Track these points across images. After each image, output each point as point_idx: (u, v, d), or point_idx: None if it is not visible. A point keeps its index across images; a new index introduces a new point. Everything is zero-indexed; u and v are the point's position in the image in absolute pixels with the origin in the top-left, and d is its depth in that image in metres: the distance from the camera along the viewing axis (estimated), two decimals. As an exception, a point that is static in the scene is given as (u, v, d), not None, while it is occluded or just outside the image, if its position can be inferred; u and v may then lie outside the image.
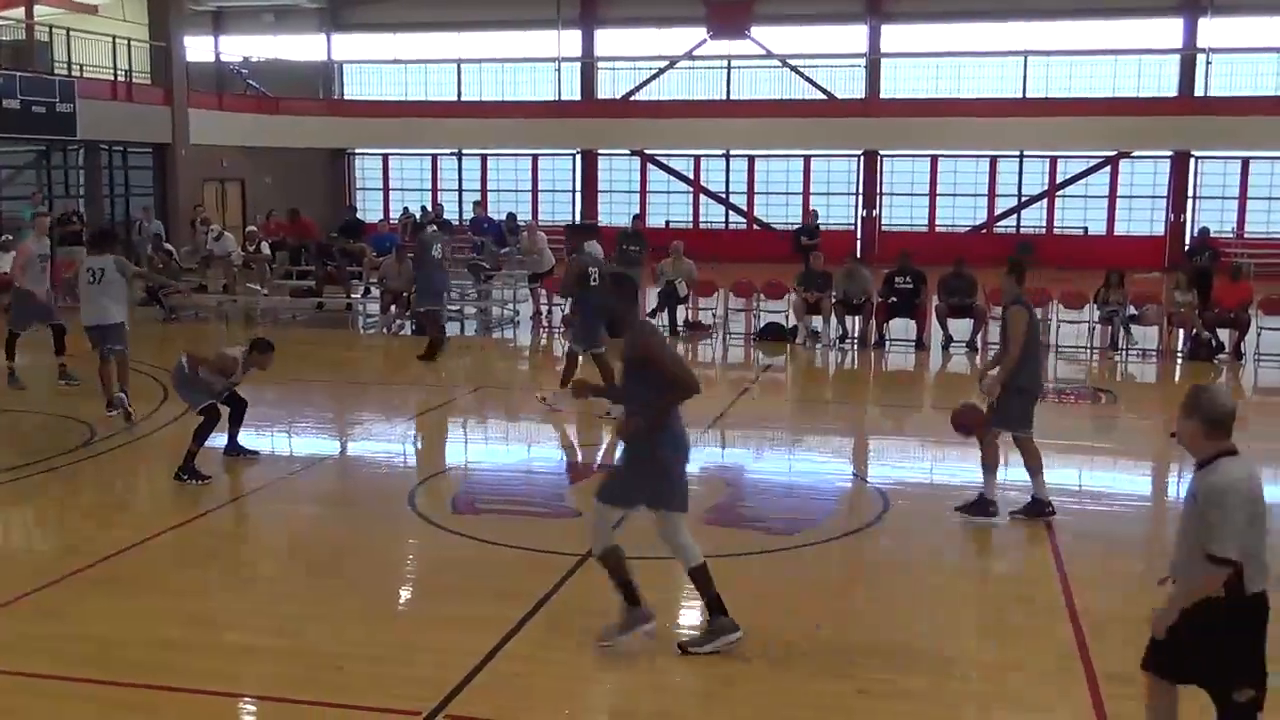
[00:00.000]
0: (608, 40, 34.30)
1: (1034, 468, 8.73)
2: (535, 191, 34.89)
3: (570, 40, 33.94)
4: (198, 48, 32.00)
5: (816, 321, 17.77)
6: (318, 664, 6.31)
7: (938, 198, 32.37)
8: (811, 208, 28.43)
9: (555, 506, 9.45)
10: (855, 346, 17.43)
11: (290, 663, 6.35)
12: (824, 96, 32.47)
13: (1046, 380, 9.62)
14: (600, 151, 34.33)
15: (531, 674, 6.25)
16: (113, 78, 27.31)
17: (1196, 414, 4.65)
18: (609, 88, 34.45)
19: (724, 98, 33.17)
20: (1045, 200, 31.79)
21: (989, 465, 8.79)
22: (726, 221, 33.79)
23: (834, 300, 17.42)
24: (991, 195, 32.15)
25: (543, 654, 6.50)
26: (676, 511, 6.47)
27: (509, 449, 12.15)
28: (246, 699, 6.05)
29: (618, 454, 6.96)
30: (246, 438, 10.67)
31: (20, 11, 27.73)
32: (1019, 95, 31.09)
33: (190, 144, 28.64)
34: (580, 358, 12.76)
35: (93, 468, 10.54)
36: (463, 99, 34.88)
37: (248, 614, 7.16)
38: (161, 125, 27.96)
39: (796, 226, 26.25)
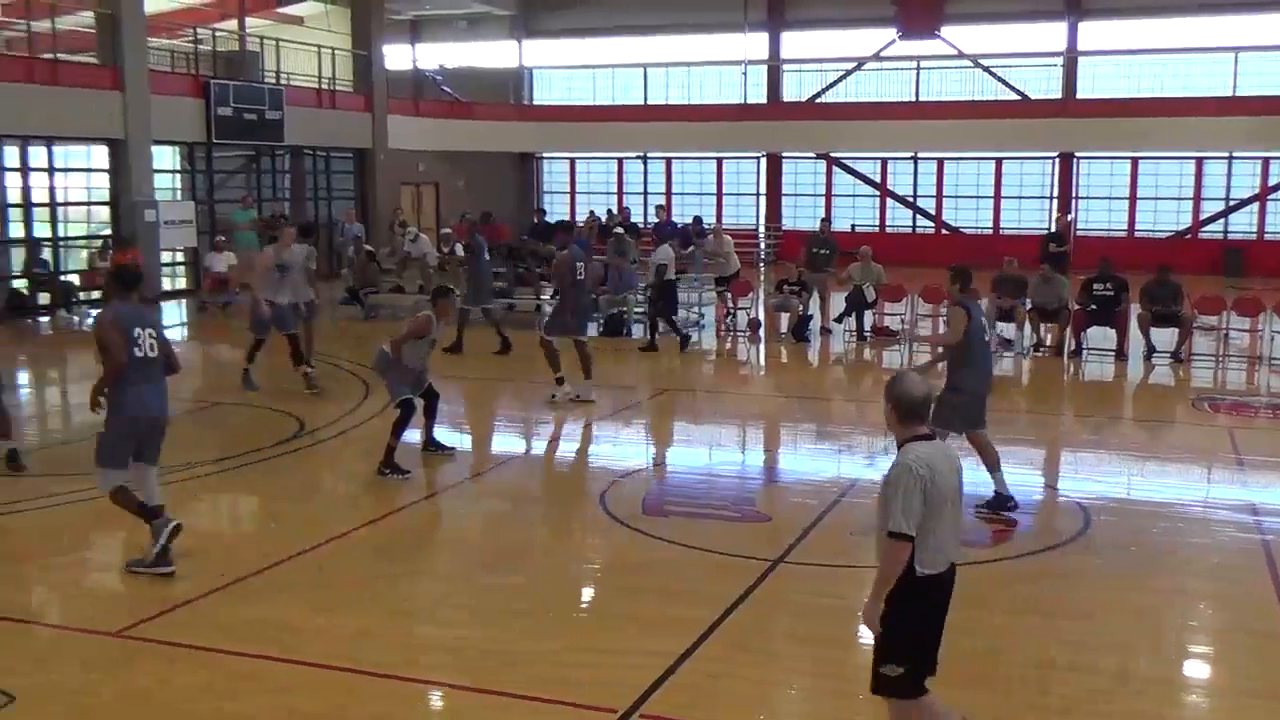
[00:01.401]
0: (794, 42, 34.07)
1: (989, 463, 9.05)
2: (720, 195, 34.90)
3: (757, 43, 33.85)
4: (396, 55, 33.10)
5: (1009, 329, 17.29)
6: (510, 659, 6.44)
7: (1138, 201, 31.10)
8: (1065, 214, 27.67)
9: (746, 511, 9.43)
10: (1050, 355, 16.89)
11: (482, 656, 6.49)
12: (1017, 97, 31.57)
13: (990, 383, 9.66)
14: (785, 155, 34.15)
15: (723, 678, 6.24)
16: (317, 86, 28.49)
17: (889, 400, 4.84)
18: (795, 90, 34.22)
19: (913, 99, 32.59)
20: (1256, 204, 30.19)
21: (990, 464, 9.06)
22: (914, 225, 33.18)
23: (1028, 307, 16.92)
24: (1197, 199, 30.70)
25: (735, 658, 6.49)
26: None
27: (697, 452, 12.18)
28: (440, 688, 6.20)
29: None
30: (440, 434, 10.97)
31: (234, 24, 29.18)
32: (1229, 94, 29.59)
33: (388, 148, 29.68)
34: (556, 343, 13.27)
35: (298, 461, 11.00)
36: (649, 103, 35.17)
37: (440, 607, 7.37)
38: (362, 131, 29.07)
39: (1046, 232, 25.30)
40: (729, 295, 19.89)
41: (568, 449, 11.94)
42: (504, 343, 16.68)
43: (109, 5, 22.22)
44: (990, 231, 31.90)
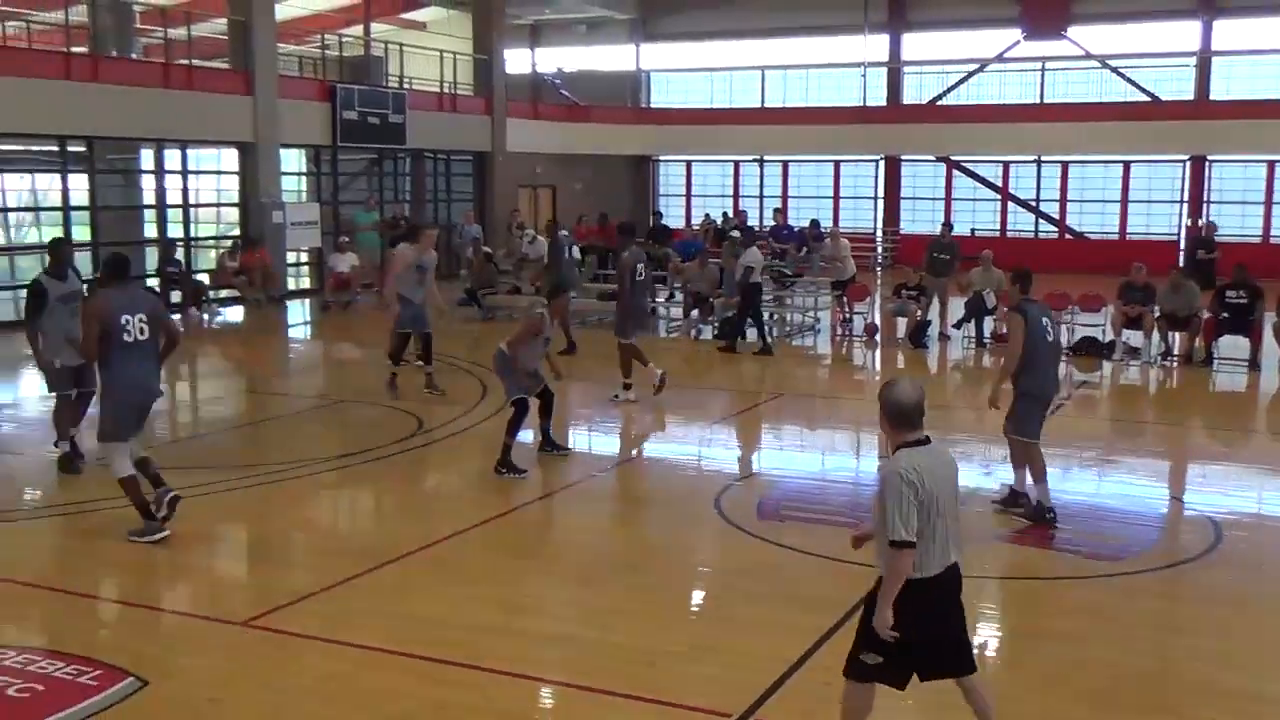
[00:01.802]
0: (915, 44, 33.66)
1: (1036, 474, 8.89)
2: (836, 198, 34.60)
3: (877, 45, 33.50)
4: (516, 59, 33.51)
5: (1136, 337, 16.82)
6: (627, 658, 6.45)
7: (1274, 206, 29.99)
8: (1209, 219, 26.92)
9: (862, 517, 9.30)
10: (1179, 364, 16.39)
11: (600, 655, 6.51)
12: (1147, 99, 30.71)
13: (1059, 389, 9.52)
14: (904, 158, 33.72)
15: (839, 685, 6.14)
16: (439, 90, 28.98)
17: (882, 409, 4.92)
18: (915, 92, 33.80)
19: (1037, 101, 31.93)
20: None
21: (1037, 474, 8.92)
22: (1036, 230, 32.49)
23: (1156, 315, 16.43)
24: (1340, 203, 29.55)
25: (851, 666, 6.40)
26: None
27: (812, 457, 12.09)
28: (558, 685, 6.23)
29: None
30: (556, 435, 11.05)
31: (359, 29, 29.83)
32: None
33: (507, 151, 30.05)
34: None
35: (418, 458, 11.17)
36: (765, 106, 35.02)
37: (559, 605, 7.41)
38: (482, 134, 29.49)
39: (1193, 237, 24.63)
40: (845, 300, 19.69)
41: (683, 452, 11.93)
42: (569, 344, 16.51)
43: (241, 12, 22.89)
44: (1116, 237, 31.09)
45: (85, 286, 10.48)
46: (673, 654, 6.52)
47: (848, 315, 19.55)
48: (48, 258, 10.52)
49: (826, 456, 12.09)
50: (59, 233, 20.95)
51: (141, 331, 8.37)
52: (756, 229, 27.88)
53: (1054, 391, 9.36)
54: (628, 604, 7.32)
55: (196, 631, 6.80)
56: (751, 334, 17.46)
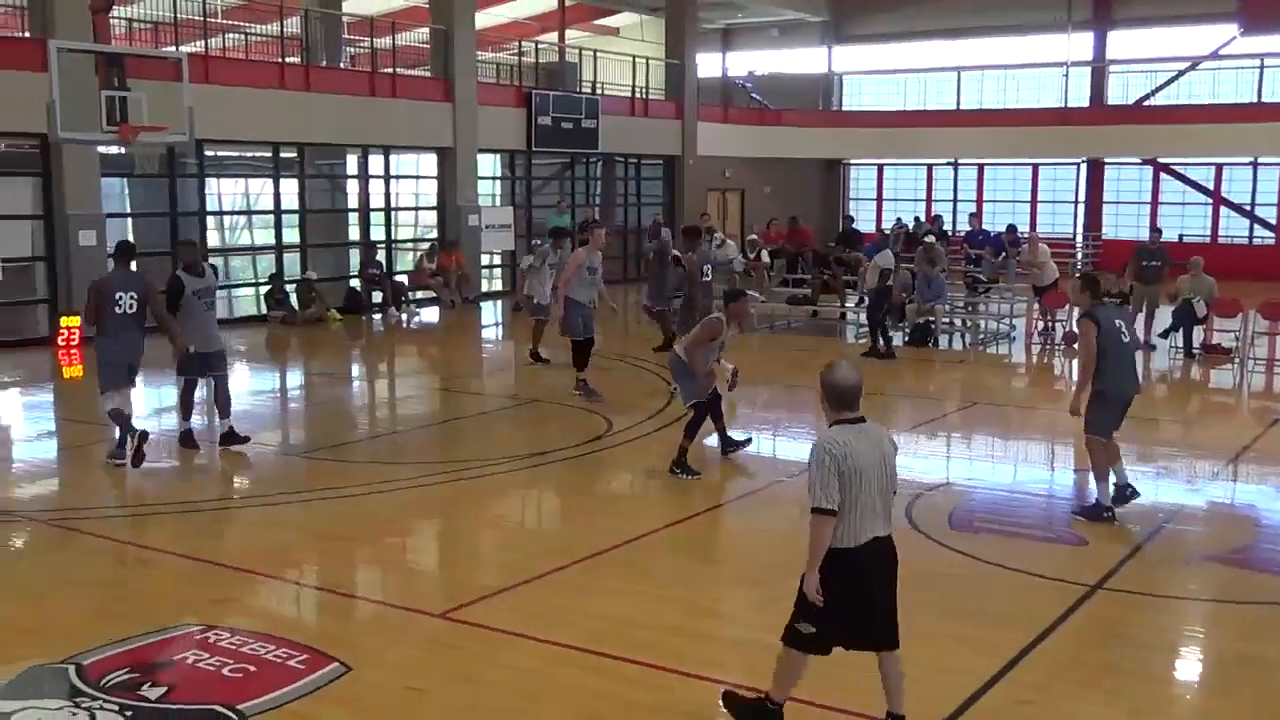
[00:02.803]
0: (1121, 42, 32.37)
1: (1099, 473, 8.88)
2: (1034, 202, 33.56)
3: (1080, 44, 32.37)
4: (707, 64, 33.60)
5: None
6: (810, 667, 6.36)
7: None
8: None
9: (1059, 531, 8.99)
10: None
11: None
12: (1377, 96, 28.85)
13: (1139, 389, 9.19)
14: (1108, 161, 32.47)
15: (1035, 705, 5.96)
16: (630, 95, 29.30)
17: (822, 387, 5.32)
18: (1120, 92, 32.51)
19: (1254, 100, 30.30)
20: None
21: (1101, 475, 8.90)
22: (1250, 236, 30.85)
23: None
24: None
25: (1050, 686, 6.17)
26: None
27: (1007, 468, 11.74)
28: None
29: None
30: (736, 437, 11.03)
31: (554, 36, 30.41)
32: None
33: (697, 155, 30.17)
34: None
35: (608, 459, 11.29)
36: (961, 107, 34.23)
37: (745, 610, 7.37)
38: (672, 138, 29.69)
39: None
40: (1044, 307, 19.08)
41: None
42: (666, 342, 16.43)
43: (443, 21, 23.61)
44: None
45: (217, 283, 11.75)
46: (859, 663, 6.39)
47: (1048, 324, 18.93)
48: (181, 257, 11.71)
49: (1022, 468, 11.72)
50: (270, 236, 22.07)
51: (131, 306, 10.23)
52: (950, 233, 27.31)
53: (1133, 391, 9.10)
54: (815, 611, 7.23)
55: (395, 621, 7.01)
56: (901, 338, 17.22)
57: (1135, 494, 9.06)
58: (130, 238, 17.18)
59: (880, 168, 36.26)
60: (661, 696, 6.00)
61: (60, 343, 17.01)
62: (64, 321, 17.20)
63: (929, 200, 34.72)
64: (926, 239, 20.90)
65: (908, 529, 8.90)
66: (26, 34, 18.10)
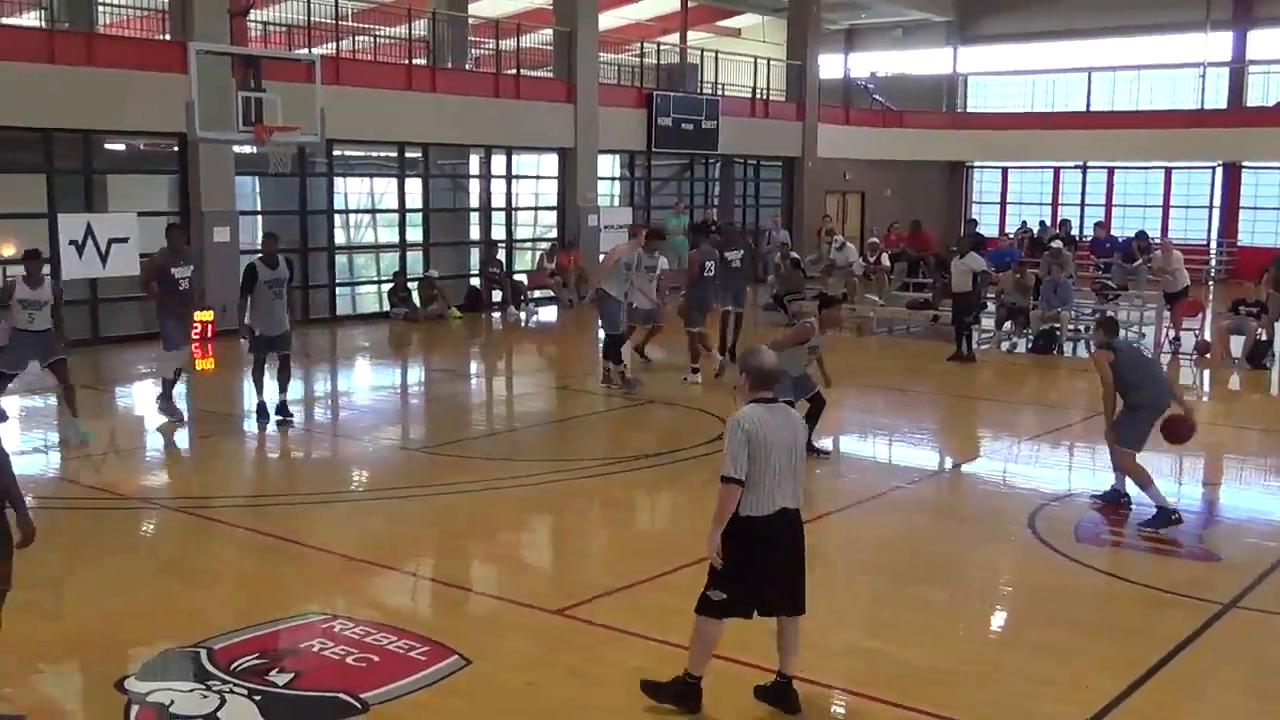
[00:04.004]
0: (1263, 41, 31.22)
1: (1141, 482, 8.99)
2: (1166, 207, 32.53)
3: (1218, 43, 31.32)
4: (829, 65, 33.31)
5: None
6: (919, 674, 6.26)
7: None
8: None
9: (1193, 547, 8.71)
10: None
11: (896, 669, 6.34)
12: None
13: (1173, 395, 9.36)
14: (1246, 164, 31.35)
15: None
16: (751, 96, 29.20)
17: (743, 370, 5.70)
18: (1260, 93, 31.37)
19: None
20: None
21: (1144, 482, 8.97)
22: (1400, 243, 29.52)
23: None
24: None
25: (1182, 706, 5.99)
26: None
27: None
28: (850, 695, 6.07)
29: None
30: (851, 442, 10.92)
31: (675, 37, 30.46)
32: None
33: (817, 157, 29.94)
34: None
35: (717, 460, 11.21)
36: (1091, 109, 33.37)
37: (856, 616, 7.26)
38: (792, 140, 29.51)
39: None
40: (1175, 314, 18.51)
41: (994, 468, 11.52)
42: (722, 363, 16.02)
43: (567, 23, 23.81)
44: None
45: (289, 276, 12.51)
46: (976, 675, 6.29)
47: (1177, 332, 18.36)
48: (261, 248, 13.00)
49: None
50: (393, 234, 22.50)
51: (186, 281, 12.19)
52: (1078, 239, 26.68)
53: (1169, 398, 9.29)
54: (925, 618, 7.12)
55: (512, 616, 7.09)
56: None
57: (1129, 503, 9.27)
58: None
59: (1005, 171, 35.53)
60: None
61: (194, 336, 17.52)
62: (198, 316, 17.71)
63: (1055, 204, 33.91)
64: (1053, 244, 20.41)
65: (1031, 540, 8.73)
66: (167, 36, 18.72)
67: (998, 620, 7.49)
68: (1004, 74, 35.71)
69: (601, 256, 25.49)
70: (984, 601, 7.71)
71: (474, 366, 18.94)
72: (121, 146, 20.46)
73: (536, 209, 25.84)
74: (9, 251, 20.22)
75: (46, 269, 11.45)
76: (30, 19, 19.43)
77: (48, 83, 16.49)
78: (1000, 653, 6.79)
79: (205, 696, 5.79)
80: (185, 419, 12.43)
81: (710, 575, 5.59)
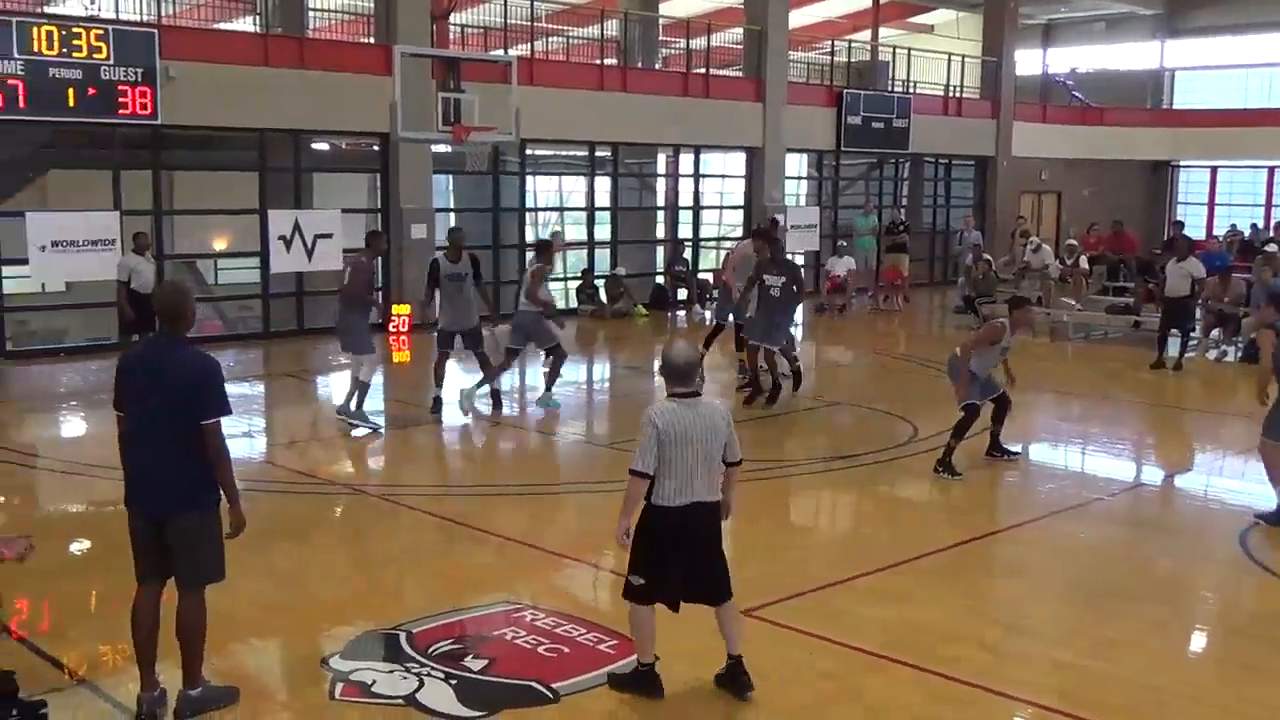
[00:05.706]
0: None
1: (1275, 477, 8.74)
2: (1391, 208, 30.55)
3: None
4: (1025, 61, 32.34)
5: None
6: (1129, 693, 6.03)
7: None
8: None
9: None
10: None
11: (1104, 685, 6.12)
12: None
13: None
14: None
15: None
16: (943, 94, 28.58)
17: (661, 365, 5.89)
18: None
19: None
20: None
21: (1276, 479, 8.77)
22: None
23: None
24: None
25: None
26: None
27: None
28: (1056, 714, 5.87)
29: None
30: (1046, 450, 10.60)
31: (866, 35, 30.04)
32: None
33: (1011, 156, 29.11)
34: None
35: (913, 465, 10.98)
36: (1309, 105, 31.55)
37: (1059, 630, 7.04)
38: (985, 138, 28.77)
39: None
40: None
41: (1201, 482, 11.01)
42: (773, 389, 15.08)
43: (757, 22, 23.75)
44: None
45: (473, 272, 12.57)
46: (1184, 695, 6.02)
47: None
48: (448, 243, 12.85)
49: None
50: (581, 232, 22.82)
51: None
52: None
53: None
54: (1132, 636, 6.84)
55: (698, 615, 7.07)
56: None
57: None
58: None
59: (1214, 170, 33.86)
60: (966, 713, 5.86)
61: (391, 329, 18.13)
62: (395, 309, 18.33)
63: (1269, 205, 32.14)
64: (1267, 247, 19.36)
65: (1242, 558, 8.30)
66: (371, 40, 19.42)
67: (1211, 640, 7.16)
68: (1215, 68, 34.03)
69: (789, 256, 25.48)
70: (1189, 620, 7.37)
71: (659, 365, 19.04)
72: (325, 146, 21.32)
73: (722, 208, 25.84)
74: (221, 245, 21.34)
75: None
76: (245, 24, 20.43)
77: (262, 85, 17.29)
78: (1213, 673, 6.56)
79: (404, 678, 5.97)
80: (380, 429, 12.17)
81: (629, 561, 5.77)
